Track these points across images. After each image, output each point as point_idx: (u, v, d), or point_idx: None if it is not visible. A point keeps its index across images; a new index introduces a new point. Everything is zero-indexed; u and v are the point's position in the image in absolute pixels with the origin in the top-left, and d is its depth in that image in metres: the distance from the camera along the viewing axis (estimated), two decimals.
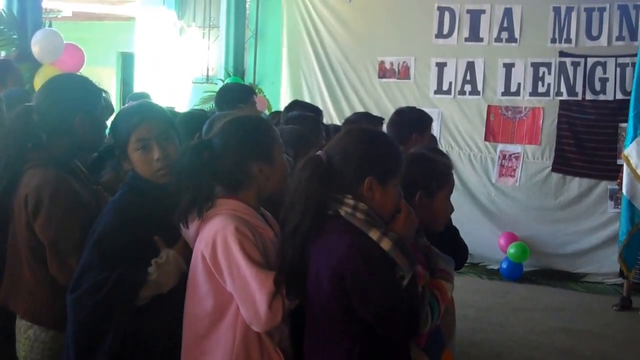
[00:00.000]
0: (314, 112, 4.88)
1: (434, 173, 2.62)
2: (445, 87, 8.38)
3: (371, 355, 2.21)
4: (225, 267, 2.26)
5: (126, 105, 2.74)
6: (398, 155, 2.33)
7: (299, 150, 3.05)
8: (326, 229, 2.22)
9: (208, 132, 2.63)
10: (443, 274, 2.50)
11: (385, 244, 2.16)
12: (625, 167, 6.59)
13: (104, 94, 2.88)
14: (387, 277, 2.15)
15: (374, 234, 2.18)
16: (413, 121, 4.40)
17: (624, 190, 6.61)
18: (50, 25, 6.41)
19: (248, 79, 9.49)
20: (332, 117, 8.42)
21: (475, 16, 8.23)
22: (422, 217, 2.50)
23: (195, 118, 3.60)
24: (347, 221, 2.20)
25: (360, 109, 7.87)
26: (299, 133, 3.54)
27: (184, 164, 2.36)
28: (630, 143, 6.53)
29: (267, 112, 7.65)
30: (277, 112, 5.35)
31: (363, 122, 4.48)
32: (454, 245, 3.08)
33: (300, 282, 2.26)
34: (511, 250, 7.74)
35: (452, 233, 3.22)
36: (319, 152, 2.28)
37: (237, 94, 4.75)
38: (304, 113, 4.48)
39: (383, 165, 2.26)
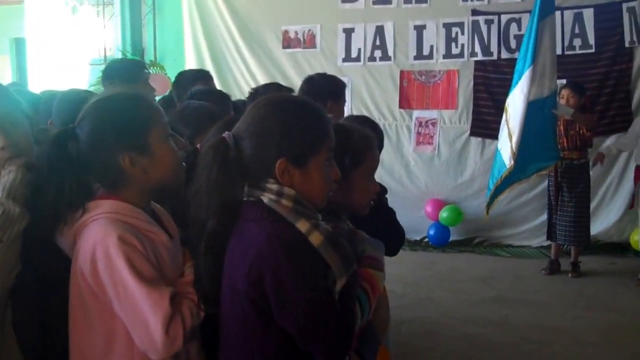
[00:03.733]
0: (204, 78, 4.47)
1: (347, 148, 2.17)
2: (354, 54, 7.99)
3: None
4: (109, 287, 1.80)
5: None
6: (319, 126, 1.88)
7: (207, 130, 2.63)
8: (244, 216, 1.81)
9: None
10: (372, 262, 2.09)
11: (315, 238, 1.74)
12: (504, 117, 6.28)
13: None
14: (315, 280, 1.73)
15: (302, 225, 1.76)
16: (326, 88, 4.05)
17: (498, 143, 6.35)
18: None
19: (148, 57, 8.92)
20: (238, 91, 7.90)
21: None
22: (341, 198, 2.11)
23: (74, 99, 3.06)
24: (270, 208, 1.78)
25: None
26: (207, 110, 3.10)
27: (45, 157, 1.89)
28: (509, 95, 6.28)
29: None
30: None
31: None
32: (387, 229, 2.71)
33: (216, 292, 1.85)
34: (444, 214, 7.55)
35: (387, 215, 2.85)
36: (225, 134, 1.85)
37: (124, 72, 4.19)
38: (210, 88, 4.05)
39: (298, 141, 1.82)
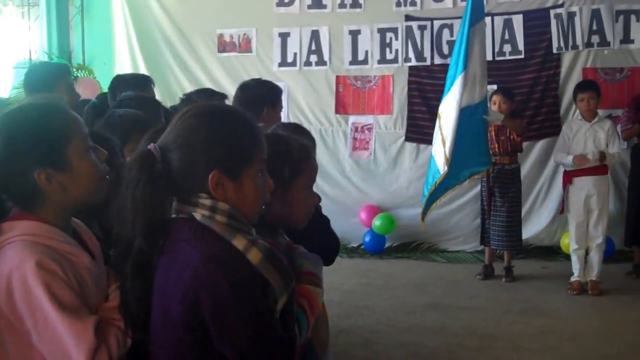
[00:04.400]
0: (144, 83, 4.32)
1: (286, 158, 2.11)
2: (290, 59, 7.92)
3: None
4: (27, 317, 1.68)
5: None
6: (252, 135, 1.80)
7: (136, 140, 2.54)
8: (176, 236, 1.70)
9: None
10: (310, 278, 2.02)
11: (254, 256, 1.67)
12: (437, 124, 6.29)
13: None
14: (256, 301, 1.65)
15: (239, 242, 1.68)
16: (261, 94, 3.97)
17: (432, 150, 6.35)
18: None
19: (76, 60, 8.62)
20: (171, 97, 7.74)
21: None
22: (279, 211, 2.06)
23: None
24: (203, 226, 1.69)
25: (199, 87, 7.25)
26: (134, 118, 2.96)
27: None
28: (442, 101, 6.28)
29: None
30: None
31: (203, 100, 3.99)
32: (322, 239, 2.65)
33: (145, 316, 1.73)
34: (376, 222, 7.51)
35: (321, 224, 2.78)
36: (151, 146, 1.74)
37: (45, 77, 4.04)
38: (140, 93, 3.89)
39: (230, 152, 1.74)
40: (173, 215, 1.75)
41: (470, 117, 6.06)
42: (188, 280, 1.62)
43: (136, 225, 1.67)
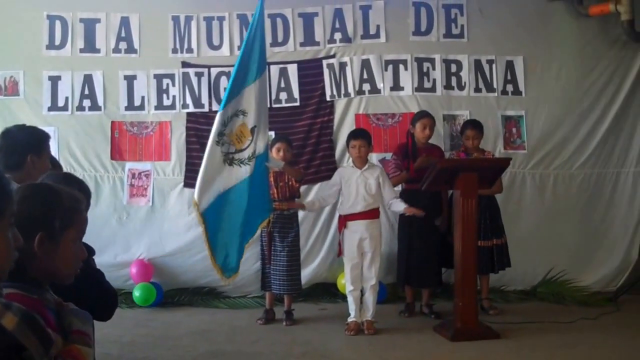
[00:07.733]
0: None
1: (57, 209, 2.01)
2: (61, 103, 7.61)
3: None
4: None
5: None
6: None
7: None
8: None
9: None
10: (80, 337, 1.94)
11: (9, 321, 1.56)
12: None
13: None
14: None
15: None
16: (24, 141, 3.78)
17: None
18: None
19: None
20: None
21: (89, 25, 7.61)
22: (46, 266, 1.96)
23: None
24: None
25: None
26: None
27: None
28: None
29: None
30: None
31: None
32: (97, 293, 2.55)
33: None
34: (136, 293, 7.27)
35: (95, 278, 2.68)
36: None
37: None
38: None
39: None
40: None
41: (260, 166, 6.11)
42: None
43: None
